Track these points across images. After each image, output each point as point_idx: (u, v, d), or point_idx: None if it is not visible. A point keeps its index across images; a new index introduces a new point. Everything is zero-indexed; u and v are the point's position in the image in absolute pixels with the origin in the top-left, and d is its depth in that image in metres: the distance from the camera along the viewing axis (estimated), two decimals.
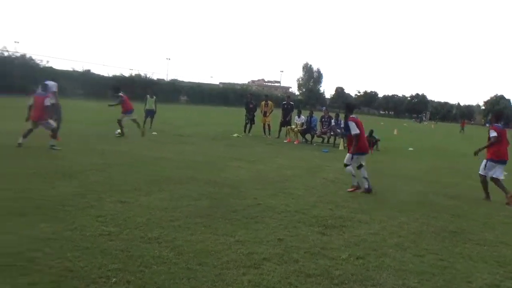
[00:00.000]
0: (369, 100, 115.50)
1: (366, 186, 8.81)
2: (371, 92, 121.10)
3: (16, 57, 43.95)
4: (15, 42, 45.21)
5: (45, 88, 11.69)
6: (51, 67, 46.88)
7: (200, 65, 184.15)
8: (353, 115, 9.05)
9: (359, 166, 8.95)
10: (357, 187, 8.89)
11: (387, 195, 8.82)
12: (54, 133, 11.24)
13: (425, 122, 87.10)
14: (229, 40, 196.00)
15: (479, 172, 9.33)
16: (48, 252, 4.36)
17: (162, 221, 5.68)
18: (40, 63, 45.42)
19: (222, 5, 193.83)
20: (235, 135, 19.45)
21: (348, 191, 8.76)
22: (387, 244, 5.55)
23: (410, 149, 20.28)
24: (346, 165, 8.93)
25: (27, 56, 44.84)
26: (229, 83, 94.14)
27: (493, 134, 9.18)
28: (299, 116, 19.43)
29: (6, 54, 43.20)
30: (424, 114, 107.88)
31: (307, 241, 5.40)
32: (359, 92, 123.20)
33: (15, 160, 9.08)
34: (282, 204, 7.18)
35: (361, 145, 8.89)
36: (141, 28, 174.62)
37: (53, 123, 11.34)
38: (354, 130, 8.73)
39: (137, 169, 9.29)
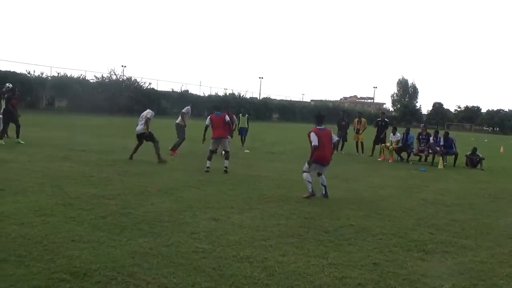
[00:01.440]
0: (471, 116, 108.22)
1: (310, 190, 8.84)
2: (473, 107, 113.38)
3: (123, 80, 47.55)
4: (122, 66, 49.45)
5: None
6: (153, 89, 50.00)
7: (291, 83, 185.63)
8: (320, 127, 9.14)
9: (319, 174, 9.11)
10: (312, 194, 8.83)
11: (494, 220, 8.07)
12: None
13: None
14: (321, 57, 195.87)
15: None
16: (146, 267, 4.53)
17: (253, 240, 5.68)
18: (144, 85, 48.65)
19: (314, 23, 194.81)
20: None
21: (303, 197, 8.72)
22: (497, 275, 5.03)
23: None
24: (304, 172, 8.99)
25: (133, 78, 48.33)
26: (320, 100, 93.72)
27: None
28: (394, 133, 18.67)
29: (114, 77, 46.93)
30: None
31: (405, 267, 5.06)
32: (459, 107, 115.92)
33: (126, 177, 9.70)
34: (377, 226, 6.85)
35: (319, 155, 8.88)
36: (235, 48, 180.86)
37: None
38: (314, 142, 8.83)
39: (229, 186, 9.47)
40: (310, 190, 8.86)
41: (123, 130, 23.27)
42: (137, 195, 7.92)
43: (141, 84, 48.56)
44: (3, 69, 37.87)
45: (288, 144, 22.86)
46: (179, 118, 15.12)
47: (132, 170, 10.66)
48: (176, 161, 13.07)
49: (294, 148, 20.73)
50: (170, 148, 14.41)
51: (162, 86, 52.46)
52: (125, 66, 52.65)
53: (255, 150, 18.28)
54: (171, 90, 52.81)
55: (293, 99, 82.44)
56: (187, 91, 54.89)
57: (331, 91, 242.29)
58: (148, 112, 12.72)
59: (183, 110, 15.24)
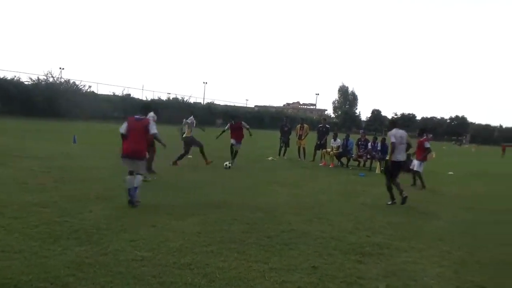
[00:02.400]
0: (407, 123, 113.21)
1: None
2: (409, 114, 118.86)
3: (61, 83, 45.78)
4: (60, 68, 47.36)
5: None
6: (93, 92, 48.55)
7: (236, 88, 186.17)
8: (138, 116, 8.37)
9: (130, 172, 8.01)
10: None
11: (426, 222, 8.49)
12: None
13: (465, 145, 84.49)
14: (265, 63, 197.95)
15: None
16: (81, 277, 4.37)
17: (194, 246, 5.64)
18: (83, 88, 47.12)
19: (257, 29, 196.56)
20: (270, 158, 19.39)
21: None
22: (428, 275, 5.29)
23: (450, 173, 19.62)
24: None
25: (71, 81, 46.68)
26: (264, 106, 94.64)
27: None
28: (335, 139, 19.19)
29: (51, 80, 45.08)
30: (464, 137, 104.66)
31: (342, 269, 5.21)
32: (396, 114, 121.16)
33: (58, 184, 9.31)
34: (318, 230, 7.01)
35: (124, 147, 7.98)
36: (179, 52, 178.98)
37: None
38: (121, 129, 8.18)
39: (171, 192, 9.34)
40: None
41: (60, 134, 22.40)
42: (74, 203, 7.63)
43: (80, 87, 47.00)
44: None
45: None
46: (185, 130, 14.53)
47: (70, 176, 10.26)
48: (116, 167, 12.71)
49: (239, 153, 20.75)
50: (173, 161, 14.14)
51: (103, 89, 51.10)
52: (63, 68, 50.97)
53: (199, 156, 18.13)
54: (112, 94, 51.50)
55: (237, 104, 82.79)
56: (129, 95, 53.82)
57: (274, 97, 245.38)
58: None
59: (187, 121, 14.55)
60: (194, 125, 14.74)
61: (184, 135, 14.54)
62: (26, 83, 43.33)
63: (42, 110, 39.79)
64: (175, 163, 14.05)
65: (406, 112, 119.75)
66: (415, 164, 13.78)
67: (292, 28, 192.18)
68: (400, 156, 10.24)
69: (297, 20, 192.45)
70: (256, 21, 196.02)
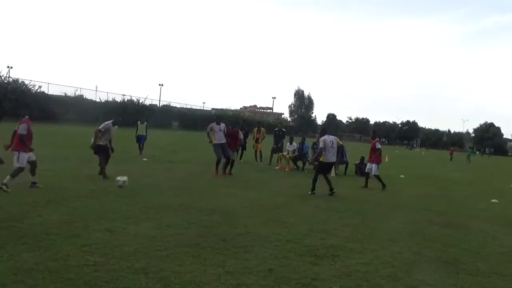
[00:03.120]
0: (361, 127, 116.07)
1: None
2: (363, 118, 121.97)
3: (9, 82, 43.93)
4: (8, 67, 45.06)
5: None
6: (43, 92, 46.86)
7: (192, 91, 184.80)
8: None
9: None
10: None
11: (379, 224, 8.73)
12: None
13: (416, 149, 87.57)
14: (221, 66, 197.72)
15: None
16: (30, 284, 4.21)
17: (149, 250, 5.55)
18: (33, 88, 45.38)
19: (215, 31, 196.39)
20: None
21: None
22: (380, 275, 5.43)
23: (402, 176, 20.27)
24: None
25: (20, 81, 44.84)
26: (221, 109, 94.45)
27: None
28: (291, 143, 19.42)
29: None
30: (415, 141, 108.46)
31: (298, 271, 5.27)
32: (350, 119, 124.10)
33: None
34: (274, 233, 7.06)
35: None
36: (134, 53, 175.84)
37: None
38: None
39: (126, 196, 9.16)
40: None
41: (6, 136, 21.47)
42: (22, 206, 7.35)
43: (29, 87, 45.22)
44: None
45: (188, 153, 22.71)
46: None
47: (17, 180, 9.83)
48: (69, 170, 12.35)
49: (194, 156, 20.65)
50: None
51: (54, 90, 49.22)
52: (11, 67, 48.65)
53: (154, 159, 17.89)
54: (63, 94, 49.86)
55: (194, 107, 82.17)
56: (82, 96, 52.30)
57: (231, 100, 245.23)
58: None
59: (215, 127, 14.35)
60: (222, 129, 14.44)
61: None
62: None
63: None
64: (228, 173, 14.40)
65: (360, 116, 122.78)
66: (372, 168, 14.14)
67: (249, 32, 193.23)
68: (332, 158, 12.22)
69: (254, 23, 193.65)
70: (213, 23, 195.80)
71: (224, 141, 14.30)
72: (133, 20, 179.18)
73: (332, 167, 12.49)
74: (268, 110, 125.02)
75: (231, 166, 14.69)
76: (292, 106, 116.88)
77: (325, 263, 5.70)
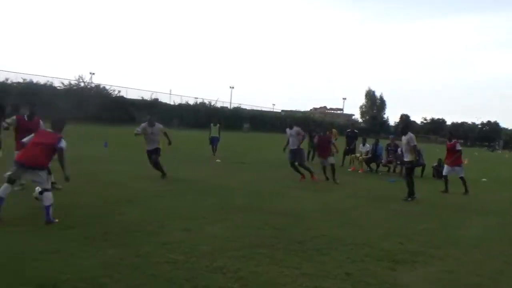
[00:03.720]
0: (436, 128, 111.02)
1: None
2: (438, 119, 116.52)
3: (91, 88, 46.77)
4: (90, 73, 48.45)
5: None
6: (122, 97, 49.37)
7: (262, 93, 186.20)
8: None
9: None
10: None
11: (461, 230, 8.27)
12: None
13: (498, 151, 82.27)
14: (291, 68, 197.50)
15: None
16: (116, 278, 4.44)
17: (226, 250, 5.65)
18: (113, 93, 47.97)
19: (285, 33, 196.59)
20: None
21: None
22: (466, 284, 5.15)
23: (484, 180, 19.10)
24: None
25: (101, 86, 47.59)
26: (291, 110, 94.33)
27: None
28: (363, 144, 18.99)
29: (82, 84, 46.09)
30: (497, 143, 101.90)
31: (376, 276, 5.12)
32: (425, 119, 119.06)
33: (85, 188, 9.49)
34: (349, 236, 6.92)
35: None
36: (206, 57, 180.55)
37: None
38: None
39: (200, 196, 9.41)
40: None
41: (91, 138, 22.87)
42: (105, 205, 7.78)
43: (110, 91, 47.86)
44: None
45: (259, 154, 22.92)
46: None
47: (101, 180, 10.45)
48: (144, 171, 12.89)
49: (265, 158, 20.80)
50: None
51: (132, 94, 51.85)
52: (93, 73, 51.73)
53: (226, 160, 18.23)
54: (140, 98, 52.22)
55: (263, 109, 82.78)
56: (157, 99, 54.46)
57: (301, 101, 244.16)
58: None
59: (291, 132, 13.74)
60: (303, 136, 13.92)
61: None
62: (58, 88, 44.42)
63: (73, 114, 40.70)
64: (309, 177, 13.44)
65: (436, 117, 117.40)
66: (457, 170, 13.47)
67: (318, 33, 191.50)
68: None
69: (323, 25, 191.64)
70: (283, 25, 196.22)
71: (295, 146, 13.60)
72: (205, 25, 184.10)
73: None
74: (338, 111, 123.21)
75: (333, 172, 13.47)
76: (363, 107, 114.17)
77: (404, 269, 5.50)
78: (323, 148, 13.75)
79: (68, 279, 4.28)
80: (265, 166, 17.15)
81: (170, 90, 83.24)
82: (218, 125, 21.05)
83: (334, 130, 20.37)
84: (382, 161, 18.29)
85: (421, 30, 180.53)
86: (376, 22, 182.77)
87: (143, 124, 11.99)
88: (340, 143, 20.50)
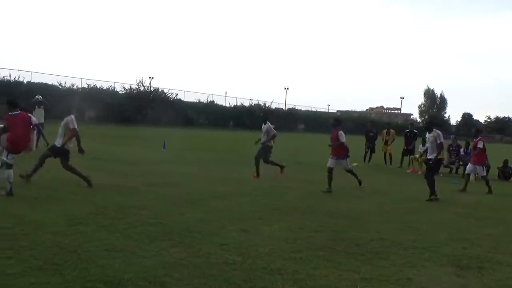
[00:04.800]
0: (501, 127, 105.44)
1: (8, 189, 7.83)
2: (504, 117, 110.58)
3: (151, 91, 48.29)
4: (149, 77, 50.13)
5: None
6: (180, 100, 50.59)
7: (317, 94, 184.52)
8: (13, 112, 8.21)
9: (9, 167, 7.87)
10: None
11: None
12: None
13: None
14: (346, 68, 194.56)
15: None
16: (177, 277, 4.55)
17: (283, 252, 5.65)
18: (171, 96, 49.28)
19: (338, 33, 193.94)
20: (354, 164, 18.92)
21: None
22: None
23: None
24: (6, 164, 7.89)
25: (160, 89, 49.02)
26: (346, 111, 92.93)
27: None
28: (423, 145, 18.33)
29: (142, 88, 47.69)
30: None
31: (439, 282, 4.94)
32: (489, 118, 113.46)
33: (153, 187, 9.82)
34: (408, 239, 6.72)
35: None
36: (260, 59, 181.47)
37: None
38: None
39: (256, 197, 9.48)
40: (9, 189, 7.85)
41: (150, 140, 23.61)
42: (165, 205, 8.00)
43: (168, 95, 49.18)
44: (37, 81, 38.97)
45: (314, 155, 22.73)
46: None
47: (160, 180, 10.76)
48: (202, 172, 13.14)
49: (320, 159, 20.59)
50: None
51: (189, 97, 53.05)
52: (152, 78, 53.34)
53: (280, 161, 18.22)
54: (197, 101, 53.29)
55: (318, 109, 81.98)
56: (213, 101, 55.33)
57: (357, 101, 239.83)
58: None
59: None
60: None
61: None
62: (120, 92, 46.22)
63: (133, 117, 42.25)
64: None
65: (501, 115, 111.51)
66: (477, 169, 13.11)
67: (375, 31, 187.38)
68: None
69: (380, 23, 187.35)
70: (339, 26, 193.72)
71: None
72: (260, 27, 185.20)
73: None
74: (396, 111, 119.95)
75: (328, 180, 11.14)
76: (422, 106, 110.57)
77: (470, 276, 5.26)
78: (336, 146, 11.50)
79: (131, 277, 4.44)
80: (319, 167, 16.96)
81: (226, 92, 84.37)
82: (273, 126, 21.05)
83: (392, 131, 19.87)
84: (444, 162, 17.59)
85: (483, 24, 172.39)
86: (435, 17, 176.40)
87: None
88: (398, 143, 20.02)
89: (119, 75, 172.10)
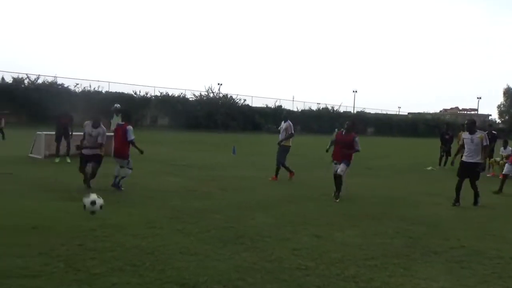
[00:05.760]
0: None
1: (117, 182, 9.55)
2: None
3: (220, 98, 49.40)
4: (218, 84, 51.24)
5: None
6: (248, 105, 51.27)
7: (387, 96, 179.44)
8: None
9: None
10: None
11: None
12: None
13: None
14: (417, 69, 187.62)
15: None
16: (250, 281, 4.59)
17: (357, 259, 5.53)
18: (239, 102, 50.09)
19: (409, 33, 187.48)
20: (429, 168, 18.22)
21: None
22: None
23: None
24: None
25: (229, 96, 50.01)
26: (418, 112, 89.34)
27: None
28: (505, 147, 17.25)
29: (211, 95, 48.92)
30: None
31: None
32: None
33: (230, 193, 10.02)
34: (492, 248, 6.32)
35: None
36: (327, 63, 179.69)
37: None
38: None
39: (326, 202, 9.36)
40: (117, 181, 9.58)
41: (220, 146, 24.10)
42: (238, 210, 8.11)
43: (236, 101, 50.02)
44: (113, 90, 41.17)
45: (385, 159, 22.10)
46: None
47: (232, 185, 10.94)
48: (267, 176, 13.18)
49: (392, 163, 20.00)
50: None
51: (256, 102, 53.61)
52: (221, 84, 54.45)
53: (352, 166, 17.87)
54: (265, 106, 53.67)
55: (389, 112, 79.57)
56: (281, 106, 55.44)
57: (429, 103, 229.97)
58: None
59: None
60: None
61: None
62: (190, 99, 47.66)
63: (203, 123, 43.40)
64: None
65: None
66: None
67: (448, 30, 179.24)
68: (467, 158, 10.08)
69: (452, 21, 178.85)
70: (409, 26, 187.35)
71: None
72: (327, 31, 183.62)
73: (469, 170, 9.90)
74: (472, 112, 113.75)
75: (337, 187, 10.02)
76: (502, 106, 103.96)
77: None
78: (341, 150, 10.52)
79: (206, 280, 4.54)
80: (391, 171, 16.47)
81: (293, 97, 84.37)
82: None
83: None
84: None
85: None
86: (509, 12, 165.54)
87: None
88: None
89: (189, 82, 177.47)
